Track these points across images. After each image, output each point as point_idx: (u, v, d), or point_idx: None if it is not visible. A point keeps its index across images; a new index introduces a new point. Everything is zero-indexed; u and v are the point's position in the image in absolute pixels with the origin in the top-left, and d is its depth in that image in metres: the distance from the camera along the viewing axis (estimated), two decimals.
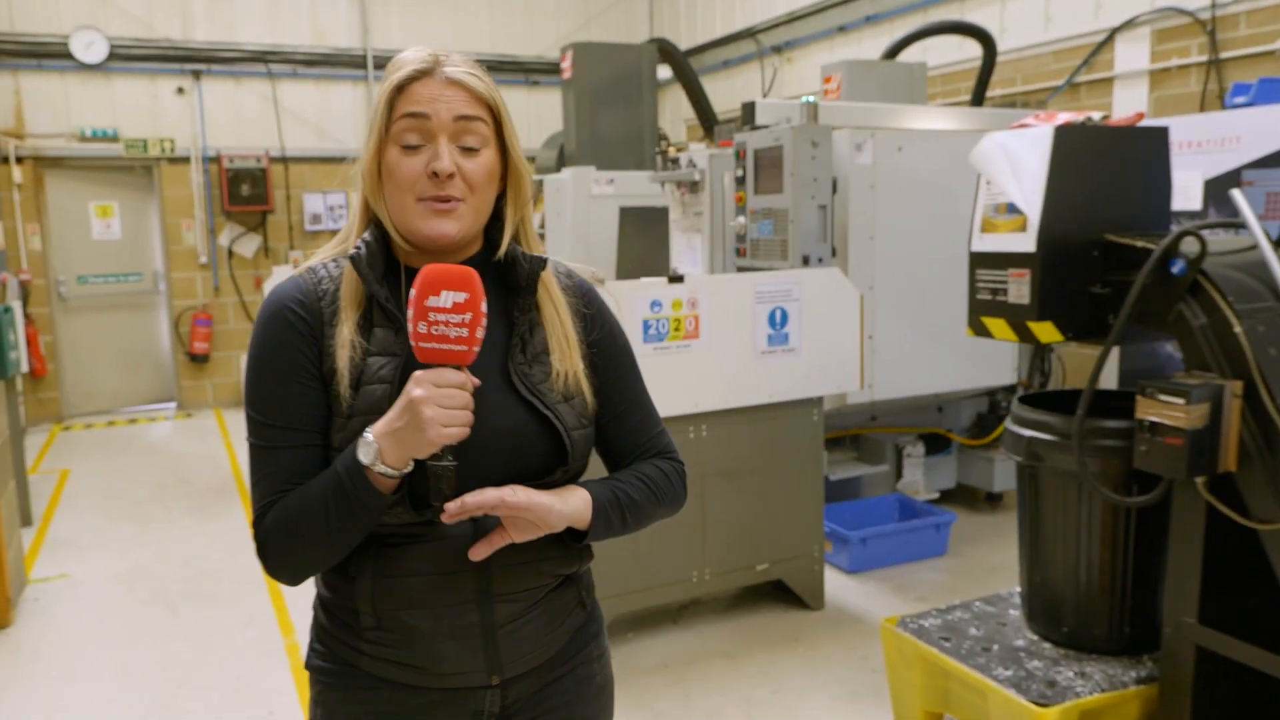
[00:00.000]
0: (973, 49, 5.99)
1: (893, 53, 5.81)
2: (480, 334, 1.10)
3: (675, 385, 3.61)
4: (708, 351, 3.66)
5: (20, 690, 3.44)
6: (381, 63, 9.06)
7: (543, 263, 1.24)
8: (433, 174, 1.16)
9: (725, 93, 9.08)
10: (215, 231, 8.64)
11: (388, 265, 1.23)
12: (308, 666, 1.29)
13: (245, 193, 8.36)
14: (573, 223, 6.29)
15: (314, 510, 1.14)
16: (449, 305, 1.08)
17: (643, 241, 6.58)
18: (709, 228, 5.43)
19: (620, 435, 1.34)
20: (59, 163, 8.13)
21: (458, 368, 1.10)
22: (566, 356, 1.25)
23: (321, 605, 1.28)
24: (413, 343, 1.10)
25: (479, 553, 1.17)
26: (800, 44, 8.38)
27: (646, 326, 3.55)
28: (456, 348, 1.09)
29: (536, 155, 8.07)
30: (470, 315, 1.08)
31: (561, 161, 7.39)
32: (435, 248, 1.19)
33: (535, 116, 9.85)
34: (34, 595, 4.35)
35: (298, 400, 1.17)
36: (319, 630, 1.29)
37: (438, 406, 1.07)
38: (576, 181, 6.30)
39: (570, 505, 1.20)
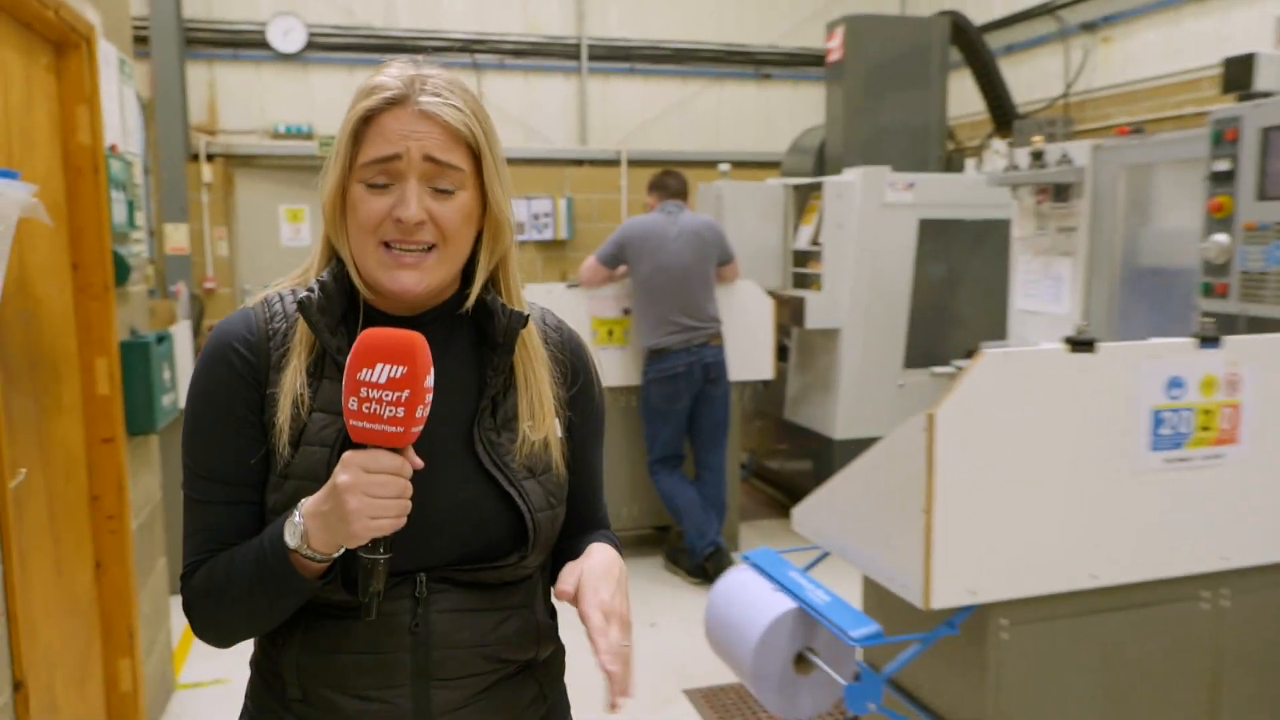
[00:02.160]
0: None
1: None
2: (422, 413, 0.96)
3: (1190, 523, 2.07)
4: (1251, 467, 2.10)
5: None
6: (598, 53, 7.93)
7: (523, 319, 1.10)
8: (398, 220, 1.02)
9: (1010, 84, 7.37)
10: None
11: (349, 306, 1.09)
12: None
13: None
14: (858, 237, 4.82)
15: (238, 582, 1.04)
16: (383, 381, 0.93)
17: (945, 263, 5.04)
18: (1085, 248, 3.83)
19: (573, 504, 1.19)
20: (250, 161, 7.40)
21: (396, 449, 0.96)
22: (540, 424, 1.12)
23: (254, 665, 1.16)
24: (345, 419, 0.96)
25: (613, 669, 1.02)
26: (1124, 18, 6.60)
27: (1158, 423, 2.03)
28: (390, 428, 0.94)
29: (782, 161, 6.65)
30: (408, 393, 0.93)
31: (821, 165, 5.95)
32: (404, 299, 1.07)
33: (766, 116, 8.47)
34: (181, 707, 3.28)
35: (233, 452, 1.06)
36: (251, 689, 1.17)
37: (365, 495, 0.94)
38: (866, 185, 4.83)
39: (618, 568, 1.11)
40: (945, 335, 5.07)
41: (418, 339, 0.95)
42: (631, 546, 4.81)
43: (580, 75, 7.94)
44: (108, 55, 2.73)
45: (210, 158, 7.20)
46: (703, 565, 4.42)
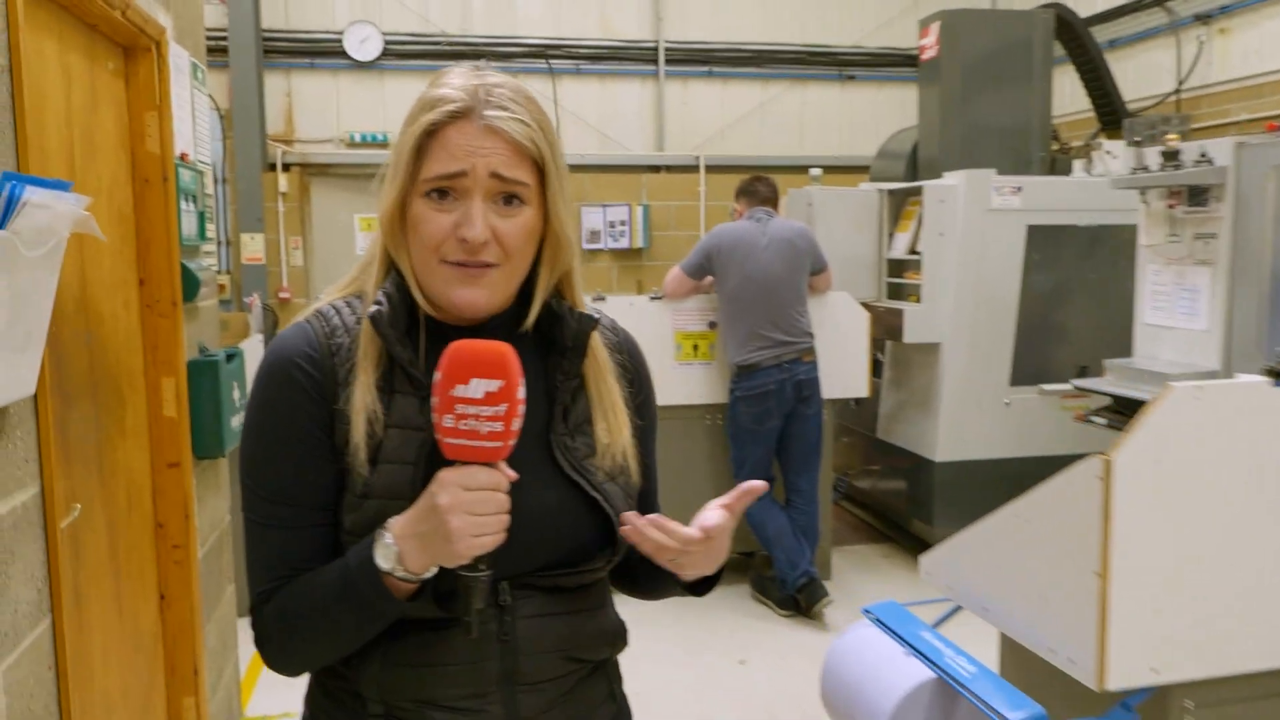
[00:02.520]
0: None
1: None
2: (518, 425, 0.93)
3: None
4: None
5: None
6: (675, 56, 7.71)
7: (594, 322, 1.08)
8: (462, 239, 1.00)
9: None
10: None
11: (410, 320, 1.05)
12: None
13: None
14: (961, 243, 4.49)
15: (320, 609, 1.00)
16: (480, 396, 0.90)
17: (1055, 272, 4.67)
18: (1227, 257, 3.45)
19: (640, 507, 1.12)
20: (325, 170, 7.36)
21: (490, 464, 0.93)
22: (615, 429, 1.10)
23: (319, 685, 1.11)
24: (437, 436, 0.93)
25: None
26: (1242, 8, 6.12)
27: None
28: (489, 444, 0.91)
29: (870, 165, 6.32)
30: (505, 406, 0.90)
31: (913, 169, 5.61)
32: (466, 316, 1.04)
33: (848, 118, 8.14)
34: None
35: (304, 473, 1.02)
36: (315, 710, 1.11)
37: (468, 515, 0.92)
38: (970, 189, 4.49)
39: None
40: (1055, 350, 4.70)
41: (508, 350, 0.92)
42: None
43: (658, 79, 7.73)
44: (179, 60, 2.59)
45: (286, 167, 7.18)
46: (794, 596, 4.14)
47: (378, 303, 1.02)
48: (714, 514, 1.02)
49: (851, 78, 8.11)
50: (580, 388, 1.10)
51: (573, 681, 1.10)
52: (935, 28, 5.39)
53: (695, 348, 4.29)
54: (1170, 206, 3.67)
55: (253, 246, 6.91)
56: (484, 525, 0.93)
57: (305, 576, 1.02)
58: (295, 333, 1.06)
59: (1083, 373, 4.75)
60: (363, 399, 1.01)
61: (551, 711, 1.08)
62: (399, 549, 0.95)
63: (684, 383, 4.20)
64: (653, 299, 4.29)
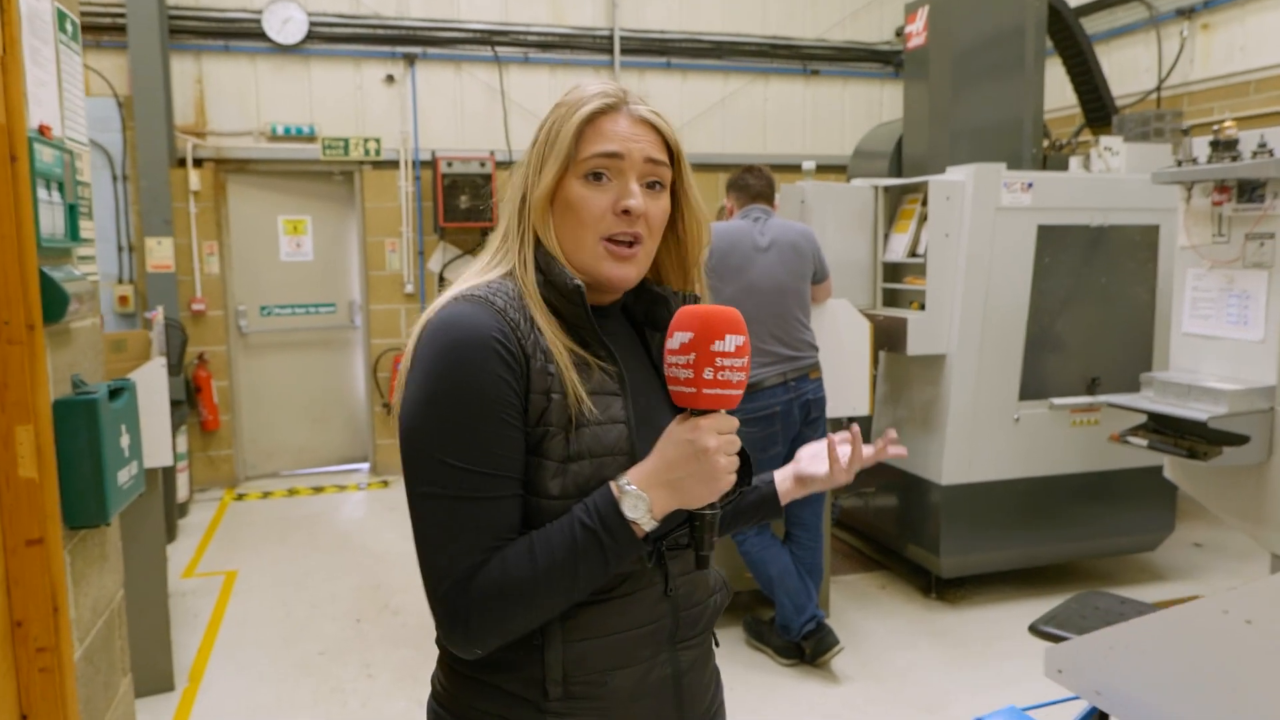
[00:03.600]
0: None
1: None
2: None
3: None
4: None
5: None
6: (631, 46, 7.18)
7: (696, 301, 1.20)
8: (623, 211, 1.12)
9: None
10: (425, 254, 6.91)
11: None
12: None
13: (464, 205, 6.58)
14: (968, 247, 4.05)
15: (557, 568, 1.04)
16: (732, 349, 1.03)
17: (1067, 277, 4.27)
18: None
19: None
20: (244, 166, 6.62)
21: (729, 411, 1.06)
22: None
23: (476, 687, 1.12)
24: (689, 389, 1.03)
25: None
26: (1225, 4, 5.86)
27: None
28: (736, 392, 1.04)
29: (847, 164, 5.87)
30: (746, 359, 1.05)
31: (897, 169, 5.18)
32: (617, 290, 1.17)
33: (812, 115, 7.71)
34: None
35: (509, 443, 1.06)
36: (464, 714, 1.13)
37: (726, 455, 1.04)
38: (979, 185, 4.07)
39: None
40: (1065, 361, 4.29)
41: (734, 310, 1.04)
42: None
43: (613, 70, 7.18)
44: (36, 6, 1.95)
45: (199, 163, 6.43)
46: (798, 644, 3.63)
47: (575, 282, 1.10)
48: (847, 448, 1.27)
49: (816, 72, 7.68)
50: None
51: (706, 636, 1.20)
52: (923, 13, 4.97)
53: None
54: (1216, 204, 3.28)
55: (160, 252, 6.14)
56: (733, 464, 1.04)
57: (523, 541, 1.05)
58: (474, 310, 1.08)
59: (1093, 385, 4.36)
60: (563, 368, 1.07)
61: (695, 667, 1.18)
62: (649, 498, 1.02)
63: None
64: None
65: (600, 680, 1.08)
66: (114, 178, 6.20)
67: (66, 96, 2.12)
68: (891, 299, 4.48)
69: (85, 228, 2.16)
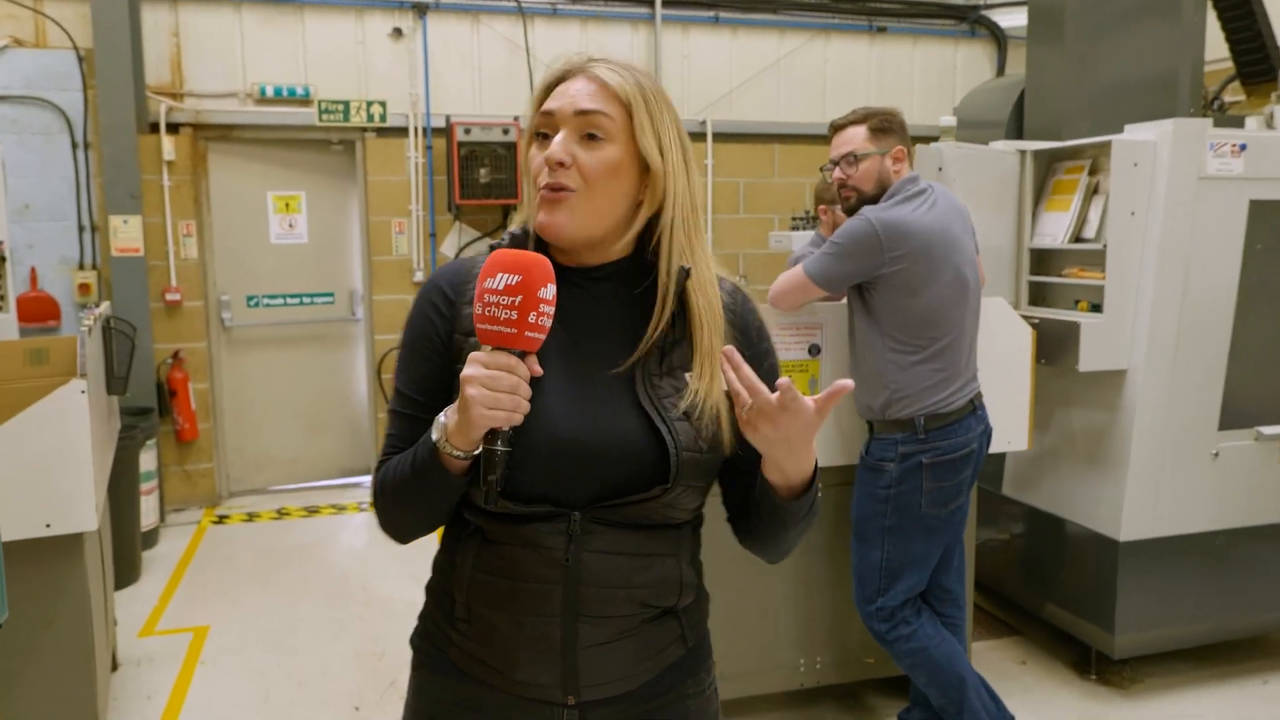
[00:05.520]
0: None
1: None
2: (537, 320, 1.05)
3: None
4: None
5: None
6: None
7: (684, 274, 1.18)
8: (545, 161, 1.17)
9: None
10: (437, 236, 5.94)
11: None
12: (411, 641, 1.31)
13: (483, 179, 5.61)
14: (1163, 223, 3.10)
15: (402, 479, 1.17)
16: (500, 287, 1.05)
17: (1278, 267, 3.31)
18: None
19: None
20: (228, 133, 5.65)
21: (518, 354, 1.06)
22: (709, 381, 1.18)
23: (428, 589, 1.30)
24: (509, 330, 1.06)
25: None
26: None
27: None
28: (505, 329, 1.05)
29: (938, 138, 4.89)
30: (521, 298, 1.04)
31: (1019, 133, 4.23)
32: (548, 239, 1.19)
33: (879, 78, 6.74)
34: None
35: (426, 373, 1.22)
36: (424, 610, 1.31)
37: (482, 387, 1.04)
38: (1177, 150, 3.11)
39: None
40: (1272, 380, 3.34)
41: (539, 258, 1.06)
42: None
43: (653, 25, 6.20)
44: None
45: (174, 128, 5.45)
46: None
47: (500, 239, 1.18)
48: (795, 394, 1.05)
49: (883, 29, 6.70)
50: (684, 339, 1.19)
51: (637, 622, 1.20)
52: None
53: None
54: None
55: (126, 233, 5.19)
56: (496, 400, 1.04)
57: (404, 453, 1.17)
58: (453, 263, 1.26)
59: None
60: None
61: (609, 645, 1.18)
62: (446, 423, 1.09)
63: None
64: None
65: (488, 615, 1.18)
66: (73, 144, 5.24)
67: None
68: (1039, 296, 3.52)
69: None
